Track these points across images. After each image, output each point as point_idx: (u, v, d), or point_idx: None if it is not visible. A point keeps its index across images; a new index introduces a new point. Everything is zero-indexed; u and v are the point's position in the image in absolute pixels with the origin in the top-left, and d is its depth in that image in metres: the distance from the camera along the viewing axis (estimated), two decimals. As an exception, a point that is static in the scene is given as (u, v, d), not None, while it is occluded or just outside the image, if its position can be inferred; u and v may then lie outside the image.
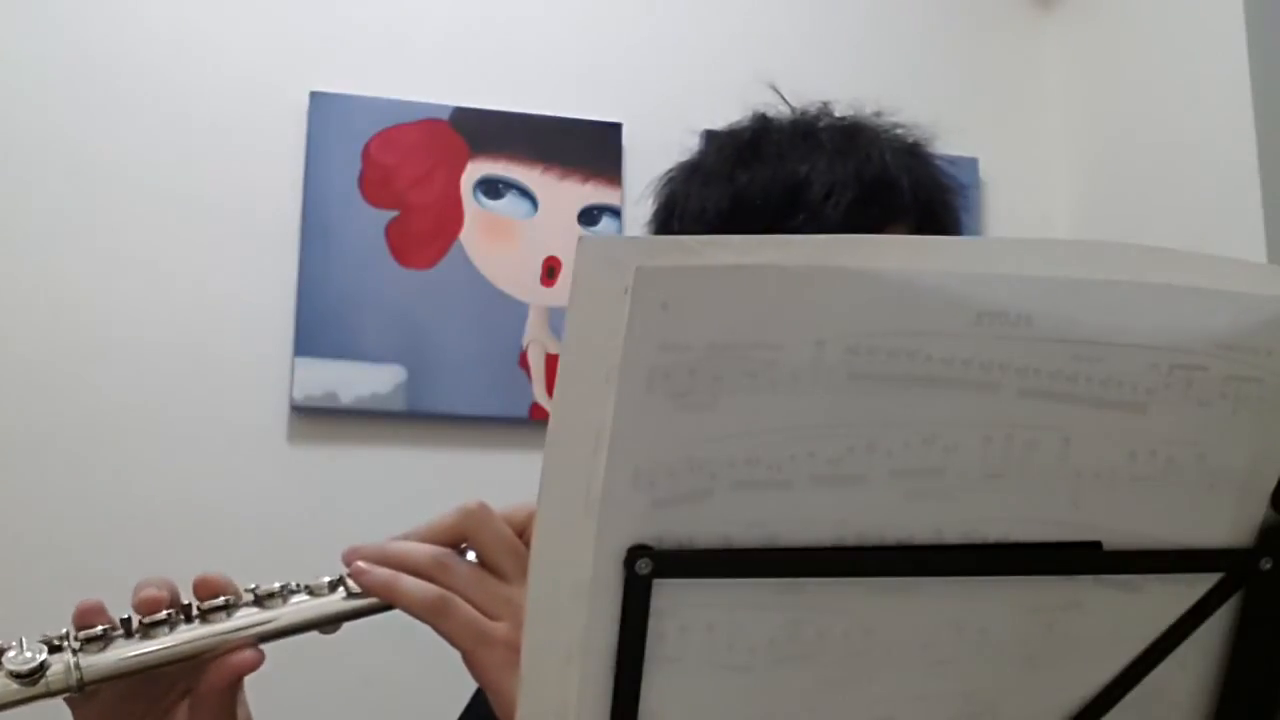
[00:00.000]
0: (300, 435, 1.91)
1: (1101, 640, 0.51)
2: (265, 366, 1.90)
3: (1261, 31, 1.88)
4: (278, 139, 1.96)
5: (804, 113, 0.97)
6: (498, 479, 1.93)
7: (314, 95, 1.97)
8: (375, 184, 1.96)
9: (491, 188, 2.02)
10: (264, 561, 1.82)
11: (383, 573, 0.70)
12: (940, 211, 0.94)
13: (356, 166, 1.96)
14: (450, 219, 1.99)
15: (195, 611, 0.70)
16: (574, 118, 2.06)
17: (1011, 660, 0.50)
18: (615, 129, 2.07)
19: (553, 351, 1.98)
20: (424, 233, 1.98)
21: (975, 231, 2.17)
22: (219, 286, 1.91)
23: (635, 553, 0.45)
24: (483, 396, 1.94)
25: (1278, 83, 1.86)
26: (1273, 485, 0.50)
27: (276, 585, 0.72)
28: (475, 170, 2.01)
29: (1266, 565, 0.50)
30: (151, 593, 0.71)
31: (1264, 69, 1.87)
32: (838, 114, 0.96)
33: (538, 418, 1.95)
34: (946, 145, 2.29)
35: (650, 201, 1.00)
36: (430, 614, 0.68)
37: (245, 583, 0.74)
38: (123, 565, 1.77)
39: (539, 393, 1.96)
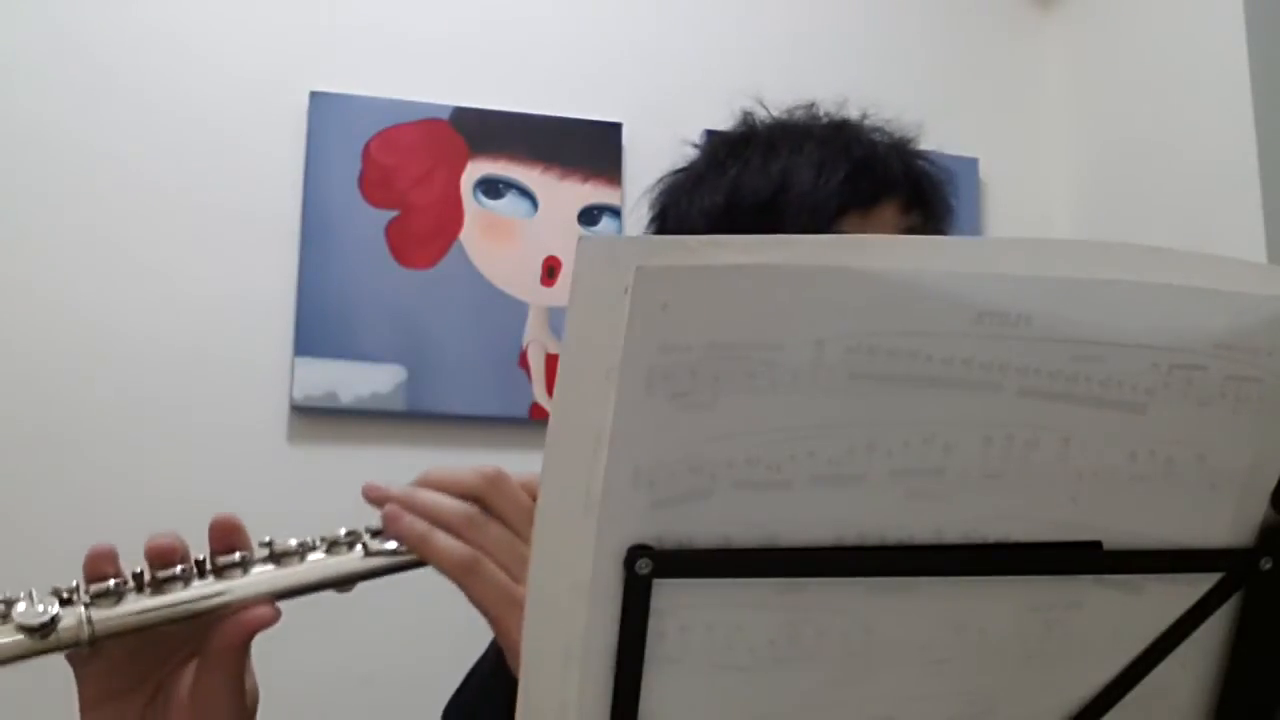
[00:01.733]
0: (300, 435, 1.91)
1: (1101, 640, 0.51)
2: (265, 366, 1.90)
3: (1261, 31, 1.88)
4: (278, 139, 1.96)
5: (790, 113, 0.98)
6: (498, 479, 1.93)
7: (314, 95, 1.97)
8: (375, 184, 1.96)
9: (491, 188, 2.02)
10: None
11: (419, 525, 0.68)
12: (931, 191, 0.94)
13: (356, 166, 1.96)
14: (450, 219, 1.99)
15: (209, 566, 0.69)
16: (574, 118, 2.06)
17: (1011, 660, 0.50)
18: (615, 129, 2.07)
19: (553, 351, 1.98)
20: (424, 233, 1.98)
21: (974, 230, 2.17)
22: (219, 286, 1.91)
23: (635, 553, 0.45)
24: (483, 396, 1.94)
25: (1278, 83, 1.86)
26: (1273, 485, 0.50)
27: (293, 542, 0.70)
28: (475, 170, 2.01)
29: (1266, 565, 0.50)
30: (164, 541, 0.69)
31: (1264, 69, 1.87)
32: (823, 113, 0.98)
33: (538, 418, 1.95)
34: (946, 145, 2.29)
35: (646, 210, 1.01)
36: (461, 573, 0.67)
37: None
38: (124, 565, 1.78)
39: (539, 393, 1.96)
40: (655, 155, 2.15)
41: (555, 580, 0.46)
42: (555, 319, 1.99)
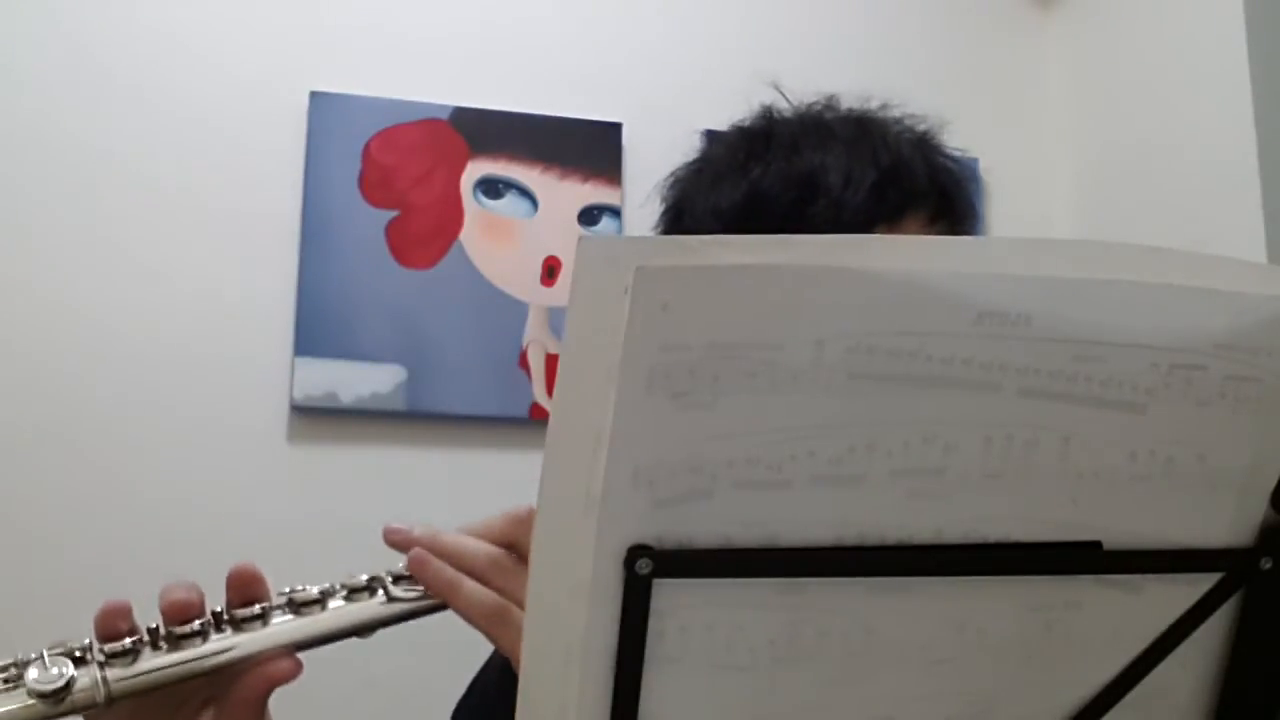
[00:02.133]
0: (300, 435, 1.91)
1: (1101, 640, 0.51)
2: (265, 366, 1.90)
3: (1261, 31, 1.88)
4: (278, 139, 1.96)
5: (810, 107, 0.95)
6: (498, 479, 1.94)
7: (314, 95, 1.97)
8: (375, 184, 1.96)
9: (491, 188, 2.02)
10: (264, 561, 1.83)
11: (447, 573, 0.67)
12: (956, 198, 0.93)
13: (356, 166, 1.96)
14: (450, 219, 1.99)
15: (227, 619, 0.67)
16: (574, 118, 2.06)
17: (1011, 660, 0.50)
18: (615, 129, 2.07)
19: (553, 351, 1.98)
20: (424, 233, 1.98)
21: (980, 228, 2.17)
22: (219, 286, 1.91)
23: (635, 553, 0.45)
24: (483, 396, 1.94)
25: (1278, 83, 1.86)
26: (1273, 485, 0.50)
27: (315, 591, 0.68)
28: (475, 170, 2.01)
29: (1266, 565, 0.50)
30: (180, 595, 0.67)
31: (1264, 69, 1.87)
32: (845, 107, 0.95)
33: (538, 418, 1.95)
34: (947, 145, 2.27)
35: (658, 204, 0.98)
36: (487, 622, 0.66)
37: (274, 582, 0.71)
38: (123, 565, 1.78)
39: (539, 393, 1.96)
40: (655, 155, 2.15)
41: (555, 580, 0.46)
42: (555, 319, 1.99)
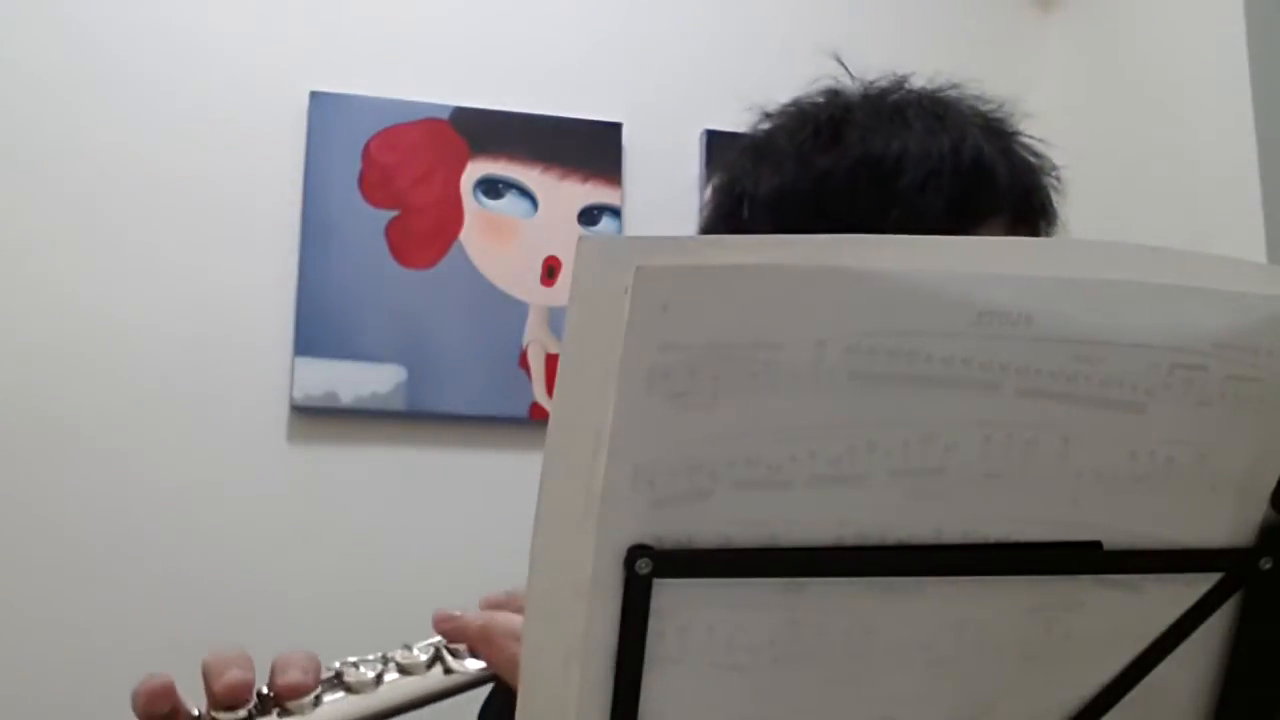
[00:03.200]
0: (300, 435, 1.91)
1: (1101, 640, 0.51)
2: (265, 366, 1.90)
3: (1261, 31, 1.88)
4: (278, 139, 1.96)
5: (875, 85, 0.88)
6: (498, 479, 1.94)
7: (314, 95, 1.97)
8: (375, 184, 1.96)
9: (491, 188, 2.02)
10: (264, 561, 1.83)
11: (513, 647, 0.64)
12: (1035, 197, 0.87)
13: (356, 166, 1.96)
14: (450, 219, 1.99)
15: (274, 703, 0.62)
16: (574, 118, 2.06)
17: (1011, 660, 0.50)
18: (615, 129, 2.07)
19: (553, 351, 1.98)
20: (424, 233, 1.98)
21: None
22: (219, 286, 1.91)
23: (635, 553, 0.45)
24: (483, 396, 1.94)
25: (1278, 83, 1.86)
26: (1273, 485, 0.50)
27: (369, 675, 0.64)
28: (475, 170, 2.01)
29: (1266, 565, 0.50)
30: (236, 677, 0.62)
31: (1264, 69, 1.87)
32: (915, 87, 0.88)
33: (538, 418, 1.95)
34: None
35: (709, 187, 0.90)
36: None
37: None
38: (123, 565, 1.78)
39: (539, 393, 1.96)
40: (655, 155, 2.15)
41: (555, 580, 0.46)
42: (555, 319, 1.99)
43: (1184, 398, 0.48)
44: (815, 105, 0.88)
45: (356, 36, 2.04)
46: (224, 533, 1.82)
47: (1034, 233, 0.87)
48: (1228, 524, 0.50)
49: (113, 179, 1.90)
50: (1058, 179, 0.91)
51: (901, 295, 0.44)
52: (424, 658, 0.65)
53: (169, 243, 1.90)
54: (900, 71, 0.88)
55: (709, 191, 0.90)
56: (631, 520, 0.45)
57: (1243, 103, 1.88)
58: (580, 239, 0.43)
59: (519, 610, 0.67)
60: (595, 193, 2.04)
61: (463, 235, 1.99)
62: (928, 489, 0.47)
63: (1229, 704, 0.53)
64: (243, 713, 0.61)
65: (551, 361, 1.97)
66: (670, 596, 0.46)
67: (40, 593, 1.74)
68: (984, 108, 0.89)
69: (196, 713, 0.61)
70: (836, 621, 0.48)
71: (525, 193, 2.03)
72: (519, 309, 1.98)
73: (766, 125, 0.89)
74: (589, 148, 2.05)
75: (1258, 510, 0.51)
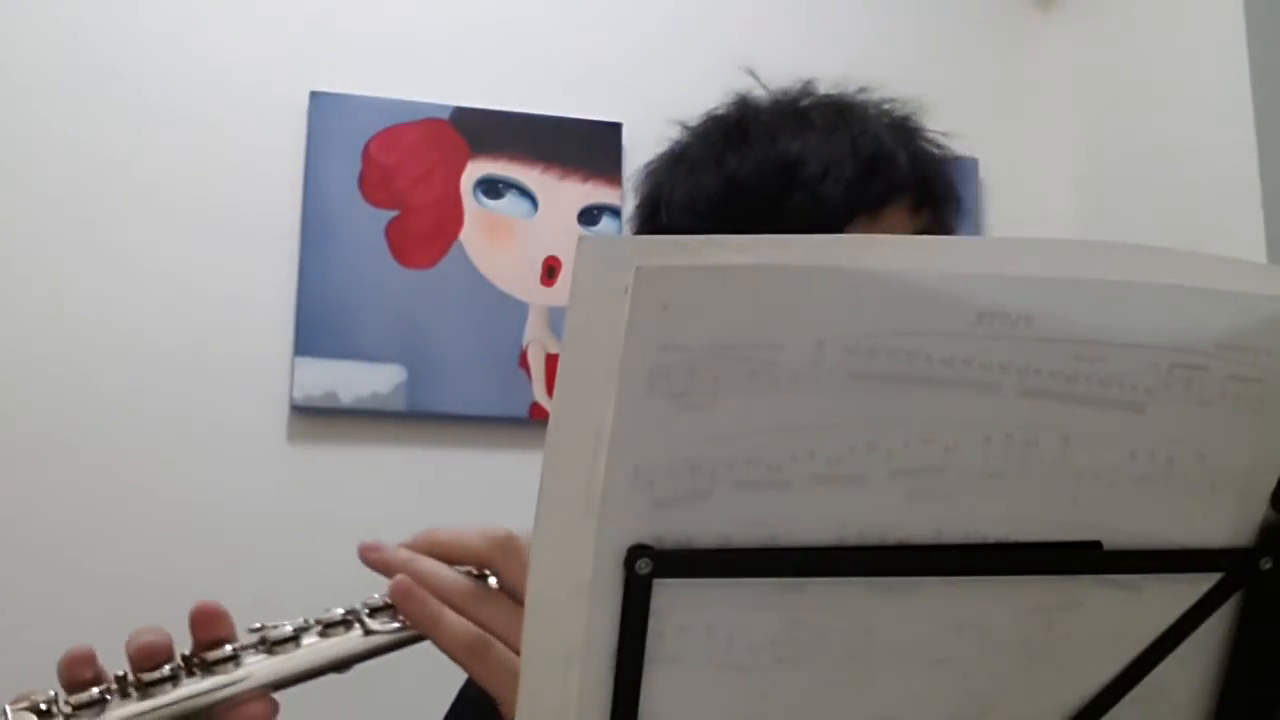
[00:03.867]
0: (300, 435, 1.91)
1: (1101, 640, 0.51)
2: (265, 366, 1.90)
3: (1261, 31, 1.88)
4: (278, 139, 1.96)
5: (786, 93, 0.93)
6: (498, 479, 1.94)
7: (314, 95, 1.97)
8: (375, 184, 1.96)
9: (491, 188, 2.02)
10: (264, 561, 1.83)
11: (431, 605, 0.65)
12: (939, 184, 0.91)
13: (356, 166, 1.96)
14: (450, 219, 1.99)
15: (198, 662, 0.63)
16: (574, 118, 2.06)
17: (1011, 660, 0.50)
18: (615, 129, 2.07)
19: (553, 351, 1.98)
20: (424, 233, 1.98)
21: (974, 230, 2.17)
22: (219, 286, 1.91)
23: (635, 553, 0.45)
24: (483, 396, 1.94)
25: (1278, 83, 1.86)
26: (1273, 485, 0.50)
27: (288, 628, 0.65)
28: (475, 170, 2.01)
29: (1266, 565, 0.50)
30: (148, 639, 0.63)
31: (1264, 69, 1.87)
32: (822, 93, 0.93)
33: (538, 418, 1.95)
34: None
35: (633, 196, 0.95)
36: (467, 656, 0.65)
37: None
38: (123, 565, 1.78)
39: (539, 393, 1.96)
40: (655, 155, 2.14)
41: (555, 580, 0.46)
42: (555, 319, 1.99)
43: (1184, 398, 0.48)
44: (725, 113, 0.94)
45: (356, 36, 2.04)
46: (224, 533, 1.82)
47: (937, 218, 0.90)
48: (1228, 524, 0.50)
49: (113, 179, 1.90)
50: (958, 171, 0.95)
51: (901, 295, 0.44)
52: (341, 613, 0.66)
53: (169, 243, 1.90)
54: (807, 77, 0.94)
55: (634, 203, 0.95)
56: (631, 520, 0.45)
57: (1243, 103, 1.88)
58: (580, 239, 0.43)
59: (446, 557, 0.67)
60: (595, 193, 2.04)
61: (463, 235, 1.99)
62: (928, 489, 0.47)
63: (1229, 704, 0.53)
64: (166, 671, 0.62)
65: (551, 361, 1.97)
66: (670, 596, 0.46)
67: (40, 593, 1.74)
68: (889, 107, 0.93)
69: (120, 673, 0.62)
70: (836, 621, 0.48)
71: (525, 193, 2.03)
72: (519, 309, 1.98)
73: (684, 136, 0.95)
74: (589, 148, 2.05)
75: (1258, 510, 0.51)
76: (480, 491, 1.91)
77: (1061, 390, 0.47)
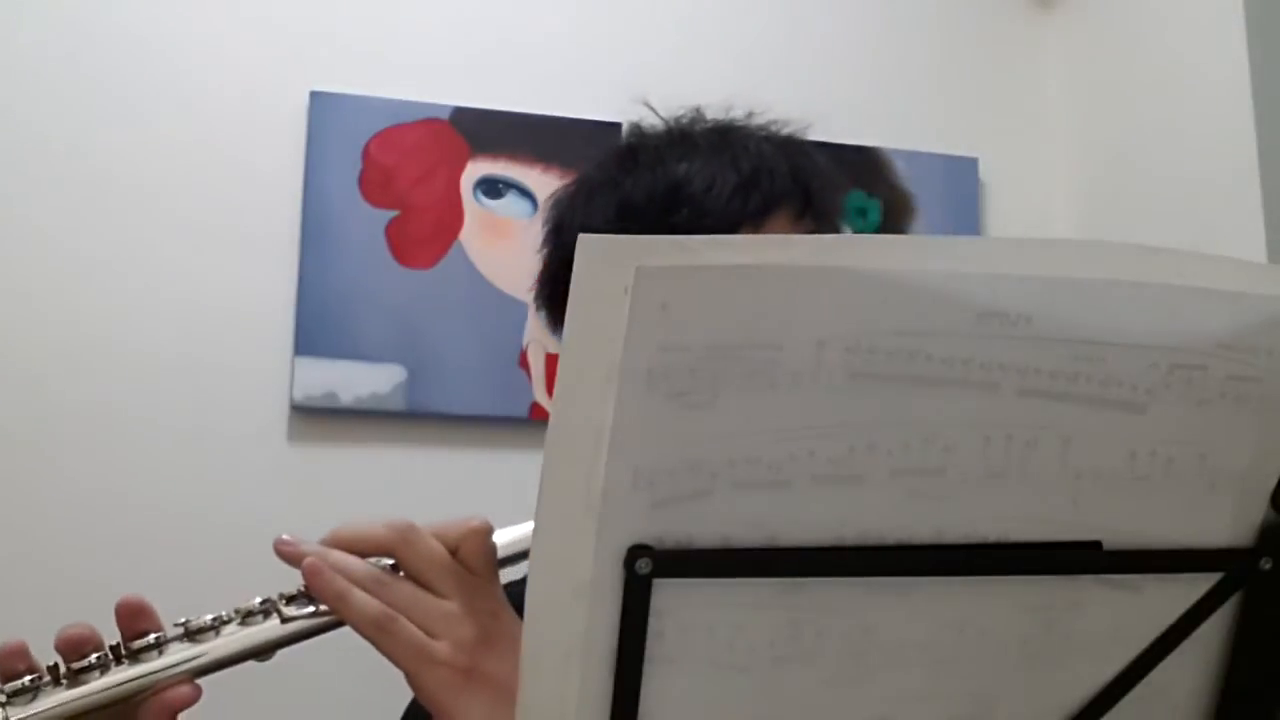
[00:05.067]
0: (300, 435, 1.91)
1: (1101, 640, 0.51)
2: (265, 366, 1.90)
3: (1262, 31, 1.88)
4: (278, 139, 1.96)
5: (677, 120, 0.99)
6: (498, 479, 1.93)
7: (314, 95, 1.97)
8: (375, 184, 1.96)
9: (491, 188, 2.02)
10: (264, 561, 1.83)
11: (338, 583, 0.69)
12: (821, 196, 0.95)
13: (356, 166, 1.96)
14: (450, 219, 1.99)
15: (124, 651, 0.67)
16: (574, 118, 2.06)
17: (1011, 660, 0.50)
18: (615, 129, 2.07)
19: (553, 351, 1.98)
20: (424, 233, 1.98)
21: (974, 230, 2.17)
22: (219, 286, 1.91)
23: (635, 553, 0.45)
24: (483, 396, 1.94)
25: (1278, 83, 1.86)
26: (1273, 485, 0.50)
27: (208, 618, 0.69)
28: (475, 170, 2.01)
29: (1266, 565, 0.50)
30: (74, 631, 0.67)
31: (1264, 69, 1.87)
32: (710, 118, 0.99)
33: (538, 418, 1.95)
34: (946, 145, 2.28)
35: (542, 226, 1.01)
36: (375, 630, 0.68)
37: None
38: (123, 565, 1.78)
39: (539, 393, 1.96)
40: (655, 155, 2.14)
41: (555, 580, 0.46)
42: (555, 319, 1.99)
43: (1184, 398, 0.48)
44: (619, 144, 1.01)
45: (356, 36, 2.04)
46: (224, 533, 1.82)
47: (820, 226, 0.95)
48: (1228, 524, 0.50)
49: (113, 179, 1.90)
50: (842, 189, 0.99)
51: (901, 295, 0.44)
52: (260, 605, 0.70)
53: (169, 243, 1.90)
54: (699, 104, 1.01)
55: (542, 233, 1.01)
56: (631, 520, 0.45)
57: (1243, 103, 1.88)
58: (580, 239, 0.44)
59: (353, 549, 0.72)
60: (595, 193, 2.04)
61: (463, 235, 1.99)
62: (928, 489, 0.47)
63: (1229, 704, 0.53)
64: (92, 659, 0.66)
65: (551, 361, 1.97)
66: (670, 596, 0.46)
67: (40, 593, 1.74)
68: (774, 128, 0.98)
69: (51, 663, 0.66)
70: (836, 621, 0.48)
71: (525, 193, 2.03)
72: (519, 309, 1.98)
73: (590, 167, 1.01)
74: (589, 148, 2.05)
75: (1258, 510, 0.51)
76: (480, 491, 1.90)
77: (1061, 390, 0.47)
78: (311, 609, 0.70)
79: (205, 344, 1.89)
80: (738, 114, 0.98)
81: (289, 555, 0.71)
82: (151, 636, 0.68)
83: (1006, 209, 2.24)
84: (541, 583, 0.46)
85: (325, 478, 1.91)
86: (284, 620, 0.69)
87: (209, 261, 1.91)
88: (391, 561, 0.72)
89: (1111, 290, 0.46)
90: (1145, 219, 2.07)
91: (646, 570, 0.45)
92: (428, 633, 0.68)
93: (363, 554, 0.72)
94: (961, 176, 2.19)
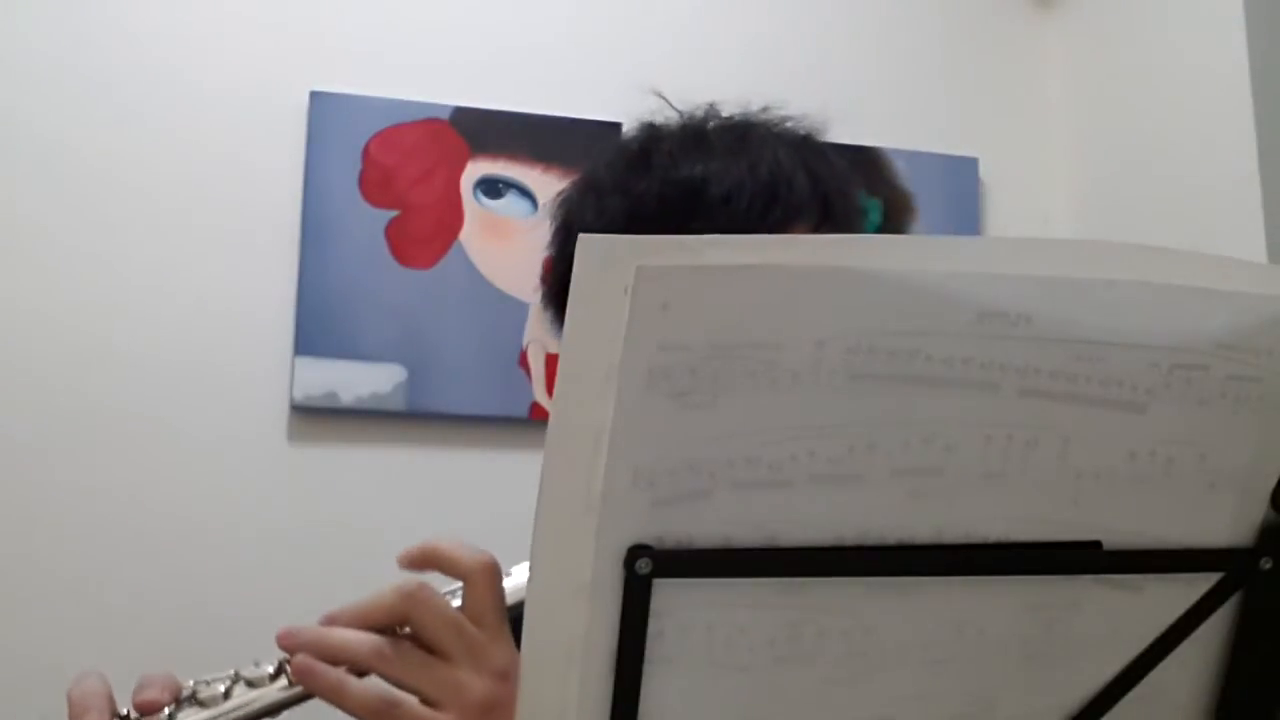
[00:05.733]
0: (300, 435, 1.91)
1: (1101, 640, 0.51)
2: (265, 366, 1.90)
3: (1262, 32, 1.88)
4: (278, 139, 1.96)
5: (691, 116, 0.96)
6: (498, 479, 1.94)
7: (314, 95, 1.97)
8: (375, 184, 1.96)
9: (491, 188, 2.02)
10: (264, 561, 1.83)
11: (330, 677, 0.68)
12: (839, 204, 0.92)
13: (356, 166, 1.96)
14: (450, 219, 1.99)
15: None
16: (574, 118, 2.06)
17: (1011, 660, 0.50)
18: (615, 129, 2.07)
19: (553, 351, 1.98)
20: (424, 233, 1.97)
21: (974, 230, 2.17)
22: (219, 286, 1.91)
23: (635, 553, 0.45)
24: (483, 396, 1.94)
25: (1278, 83, 1.86)
26: (1273, 485, 0.50)
27: (220, 688, 0.69)
28: (475, 170, 2.01)
29: (1266, 565, 0.50)
30: (90, 686, 0.68)
31: (1264, 69, 1.87)
32: (725, 114, 0.95)
33: (538, 417, 1.95)
34: (947, 145, 2.27)
35: (548, 224, 0.99)
36: (376, 718, 0.68)
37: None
38: (122, 566, 1.78)
39: (539, 392, 1.96)
40: (655, 155, 2.14)
41: (555, 580, 0.46)
42: (555, 319, 1.99)
43: (1184, 398, 0.48)
44: (632, 138, 0.97)
45: (356, 36, 2.03)
46: (224, 533, 1.82)
47: (837, 232, 0.92)
48: (1228, 524, 0.50)
49: (113, 179, 1.90)
50: (862, 191, 0.97)
51: (901, 295, 0.44)
52: (269, 670, 0.70)
53: (169, 243, 1.90)
54: (714, 100, 0.97)
55: (550, 230, 0.99)
56: (631, 520, 0.45)
57: (1243, 103, 1.88)
58: (580, 238, 0.44)
59: (362, 623, 0.70)
60: (595, 193, 2.04)
61: (463, 235, 1.99)
62: (928, 489, 0.47)
63: (1229, 704, 0.53)
64: None
65: (551, 361, 1.97)
66: (670, 596, 0.46)
67: (40, 593, 1.74)
68: (791, 126, 0.95)
69: None
70: (836, 621, 0.48)
71: (525, 193, 2.03)
72: (519, 309, 1.98)
73: (597, 164, 0.98)
74: (589, 148, 2.05)
75: (1258, 510, 0.51)
76: (480, 491, 1.91)
77: (1061, 390, 0.47)
78: None
79: (205, 344, 1.88)
80: (753, 109, 0.95)
81: (289, 647, 0.70)
82: (166, 711, 0.68)
83: (1006, 209, 2.24)
84: (541, 583, 0.46)
85: (325, 478, 1.91)
86: (291, 683, 0.70)
87: (209, 261, 1.91)
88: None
89: (1111, 290, 0.46)
90: (1145, 219, 2.07)
91: (646, 570, 0.45)
92: (433, 702, 0.68)
93: (371, 626, 0.70)
94: (961, 176, 2.19)
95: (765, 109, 0.95)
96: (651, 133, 0.96)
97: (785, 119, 0.95)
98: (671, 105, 0.97)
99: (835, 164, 0.94)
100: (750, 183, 0.88)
